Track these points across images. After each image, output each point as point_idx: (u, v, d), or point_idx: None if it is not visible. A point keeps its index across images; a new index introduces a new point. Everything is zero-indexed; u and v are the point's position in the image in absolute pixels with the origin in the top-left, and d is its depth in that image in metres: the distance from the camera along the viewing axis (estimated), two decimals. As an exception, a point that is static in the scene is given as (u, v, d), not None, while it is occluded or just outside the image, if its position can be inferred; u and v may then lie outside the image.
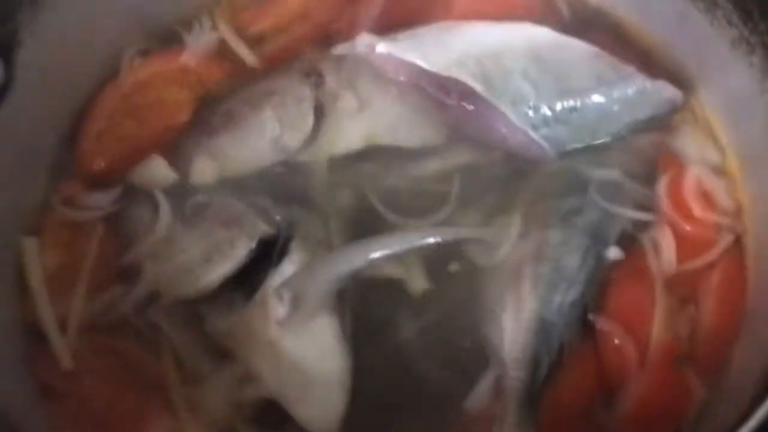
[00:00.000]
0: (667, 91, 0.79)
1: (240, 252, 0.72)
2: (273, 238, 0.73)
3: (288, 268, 0.72)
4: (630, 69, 0.79)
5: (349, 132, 0.80)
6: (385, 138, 0.80)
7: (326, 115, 0.80)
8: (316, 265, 0.72)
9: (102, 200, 0.77)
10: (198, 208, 0.76)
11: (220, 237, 0.74)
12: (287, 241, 0.74)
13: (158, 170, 0.79)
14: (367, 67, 0.80)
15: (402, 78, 0.80)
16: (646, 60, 0.83)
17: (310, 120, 0.79)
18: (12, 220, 0.74)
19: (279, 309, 0.69)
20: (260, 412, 0.68)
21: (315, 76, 0.81)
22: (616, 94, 0.78)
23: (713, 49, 0.78)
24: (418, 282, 0.73)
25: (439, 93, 0.78)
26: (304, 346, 0.69)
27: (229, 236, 0.74)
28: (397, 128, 0.80)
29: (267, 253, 0.73)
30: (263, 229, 0.74)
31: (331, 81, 0.81)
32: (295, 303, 0.69)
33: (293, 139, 0.79)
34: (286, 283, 0.70)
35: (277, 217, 0.75)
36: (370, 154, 0.79)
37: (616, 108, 0.78)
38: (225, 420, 0.68)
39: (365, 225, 0.75)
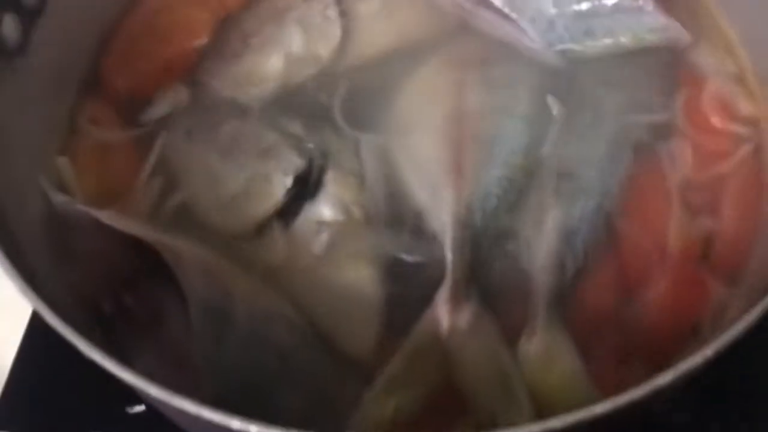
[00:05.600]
0: (676, 32, 0.80)
1: (278, 190, 0.73)
2: (307, 172, 0.74)
3: (323, 201, 0.73)
4: (648, 2, 0.80)
5: (376, 34, 0.81)
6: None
7: (351, 20, 0.81)
8: (354, 235, 0.72)
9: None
10: (231, 137, 0.77)
11: (257, 171, 0.75)
12: (321, 172, 0.74)
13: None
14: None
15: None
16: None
17: (338, 26, 0.80)
18: (46, 140, 0.77)
19: (316, 244, 0.71)
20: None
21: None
22: (628, 22, 0.80)
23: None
24: None
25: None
26: (340, 273, 0.70)
27: (264, 170, 0.74)
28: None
29: (302, 184, 0.74)
30: (297, 163, 0.74)
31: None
32: (331, 247, 0.71)
33: (325, 48, 0.80)
34: (325, 227, 0.71)
35: (310, 145, 0.75)
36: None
37: (624, 35, 0.80)
38: None
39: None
